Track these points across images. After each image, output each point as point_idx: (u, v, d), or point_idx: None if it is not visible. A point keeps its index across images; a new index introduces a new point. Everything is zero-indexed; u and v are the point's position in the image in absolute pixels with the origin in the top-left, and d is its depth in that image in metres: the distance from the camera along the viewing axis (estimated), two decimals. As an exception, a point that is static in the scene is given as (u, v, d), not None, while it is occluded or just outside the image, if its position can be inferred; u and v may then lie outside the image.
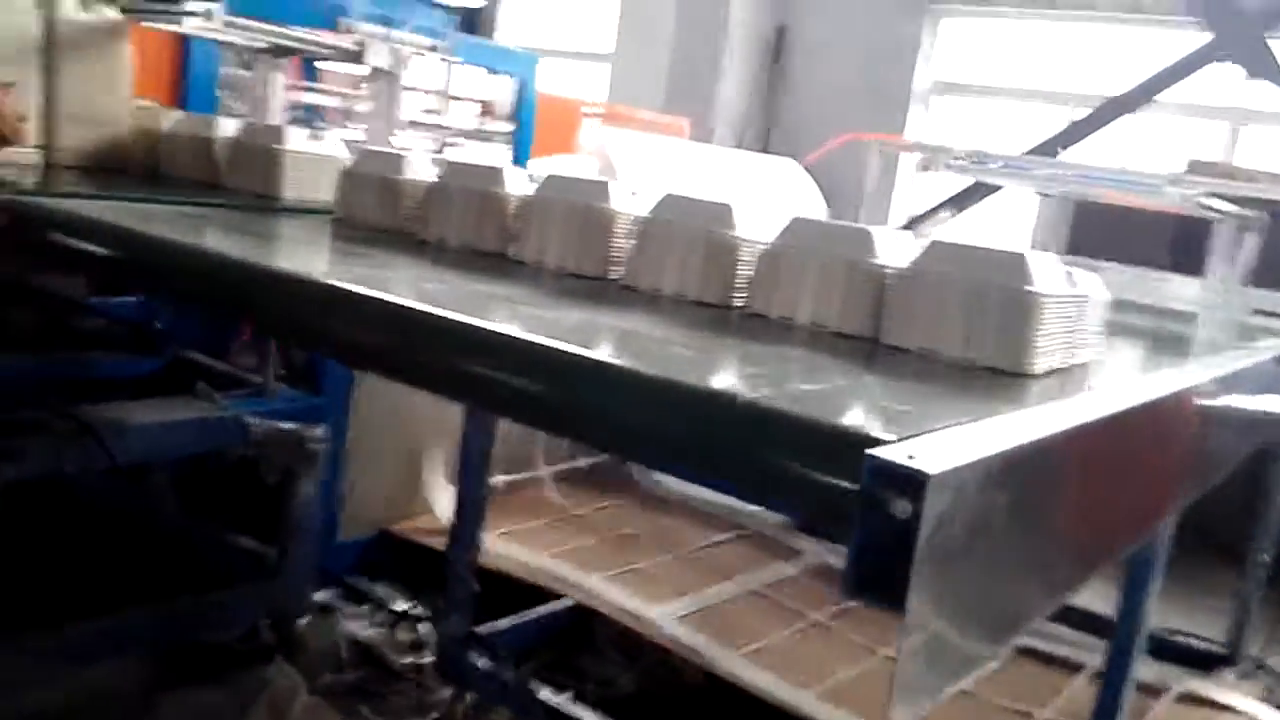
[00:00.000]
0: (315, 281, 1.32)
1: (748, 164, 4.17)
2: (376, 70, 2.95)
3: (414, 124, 5.46)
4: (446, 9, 5.34)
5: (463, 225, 1.85)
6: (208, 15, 2.32)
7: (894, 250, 1.51)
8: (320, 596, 3.18)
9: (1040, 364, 1.33)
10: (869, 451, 0.77)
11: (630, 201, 1.74)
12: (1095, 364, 1.51)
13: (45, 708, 2.36)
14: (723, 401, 0.87)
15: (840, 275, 1.49)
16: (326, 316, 1.28)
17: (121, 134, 2.37)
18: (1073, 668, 3.30)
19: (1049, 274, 1.39)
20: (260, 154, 2.29)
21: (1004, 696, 3.02)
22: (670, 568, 3.59)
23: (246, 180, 2.31)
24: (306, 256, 1.80)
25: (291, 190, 2.26)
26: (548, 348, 0.99)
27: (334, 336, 1.30)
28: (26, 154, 2.14)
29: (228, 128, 2.43)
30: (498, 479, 3.91)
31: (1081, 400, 1.19)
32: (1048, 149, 6.79)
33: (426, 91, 5.71)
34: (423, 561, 3.25)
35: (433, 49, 4.59)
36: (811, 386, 1.04)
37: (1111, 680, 2.03)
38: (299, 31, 2.82)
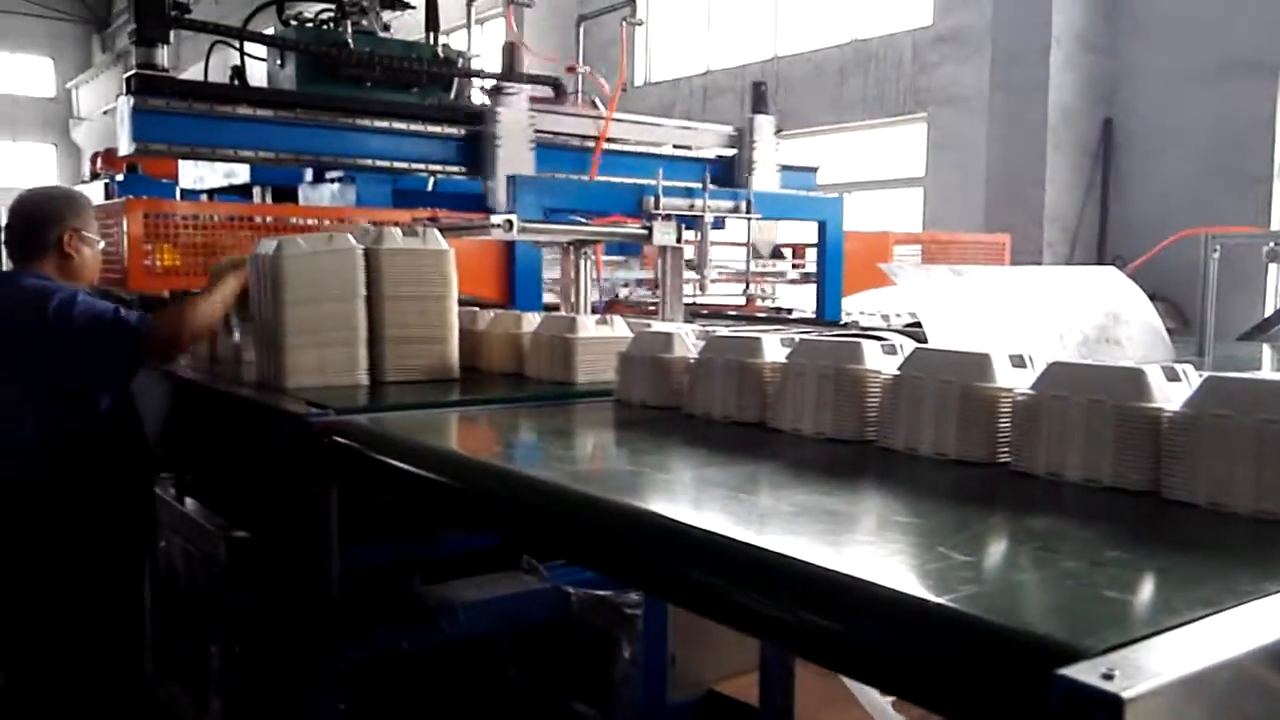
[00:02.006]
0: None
1: (1060, 278, 3.92)
2: (662, 248, 3.14)
3: (726, 278, 5.68)
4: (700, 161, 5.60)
5: (724, 398, 1.90)
6: (508, 226, 2.58)
7: (1170, 390, 1.37)
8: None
9: (1359, 514, 1.14)
10: (1057, 672, 0.70)
11: (883, 359, 1.72)
12: None
13: None
14: (907, 606, 0.83)
15: (1109, 424, 1.36)
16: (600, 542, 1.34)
17: (447, 347, 2.62)
18: None
19: (1361, 404, 1.20)
20: (556, 344, 2.49)
21: None
22: None
23: (547, 369, 2.51)
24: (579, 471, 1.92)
25: (584, 374, 2.43)
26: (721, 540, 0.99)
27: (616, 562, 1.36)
28: (358, 376, 2.46)
29: (531, 322, 2.67)
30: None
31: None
32: None
33: (737, 244, 5.93)
34: (751, 721, 3.22)
35: (734, 210, 4.81)
36: (1029, 576, 0.96)
37: None
38: (592, 223, 3.07)
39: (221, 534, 2.53)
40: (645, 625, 2.93)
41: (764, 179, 5.54)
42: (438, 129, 4.18)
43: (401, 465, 1.74)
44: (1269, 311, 7.55)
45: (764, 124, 5.58)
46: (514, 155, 4.13)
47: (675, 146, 5.58)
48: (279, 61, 4.44)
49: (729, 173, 5.55)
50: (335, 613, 2.29)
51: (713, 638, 3.61)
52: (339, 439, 1.92)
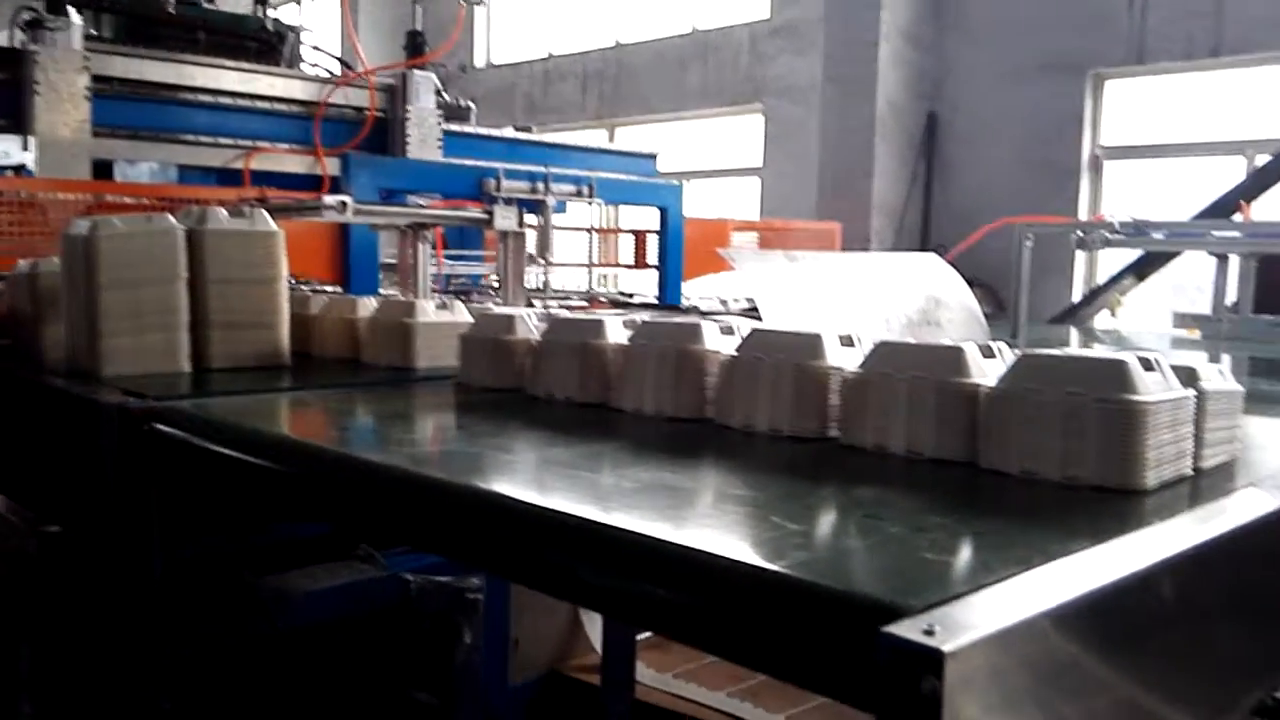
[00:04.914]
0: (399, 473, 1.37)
1: (886, 264, 4.12)
2: (504, 233, 3.11)
3: (568, 264, 5.67)
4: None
5: (567, 379, 1.90)
6: (341, 208, 2.51)
7: (988, 366, 1.45)
8: (494, 744, 3.21)
9: (1150, 478, 1.23)
10: (882, 630, 0.74)
11: (722, 340, 1.75)
12: (1226, 465, 1.39)
13: None
14: (735, 570, 0.85)
15: (930, 398, 1.43)
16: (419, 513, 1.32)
17: (277, 333, 2.52)
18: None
19: (1153, 379, 1.30)
20: (394, 329, 2.43)
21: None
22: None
23: (385, 354, 2.46)
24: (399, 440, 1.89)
25: (424, 359, 2.38)
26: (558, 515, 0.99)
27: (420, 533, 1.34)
28: (181, 363, 2.34)
29: (368, 306, 2.60)
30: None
31: (1181, 522, 1.09)
32: (1229, 202, 6.37)
33: (581, 230, 5.94)
34: (594, 700, 3.25)
35: (576, 194, 4.81)
36: (857, 542, 1.00)
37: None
38: (434, 207, 3.01)
39: (31, 528, 2.37)
40: (486, 609, 2.91)
41: (423, 146, 5.22)
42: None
43: (228, 452, 1.67)
44: (1078, 296, 8.11)
45: (422, 83, 5.24)
46: (58, 108, 3.60)
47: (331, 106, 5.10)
48: (94, 29, 4.18)
49: (382, 138, 5.20)
50: (158, 607, 2.18)
51: (554, 620, 3.63)
52: (160, 426, 1.83)
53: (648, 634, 3.53)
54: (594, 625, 3.57)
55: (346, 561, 2.70)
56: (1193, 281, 7.30)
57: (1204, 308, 5.35)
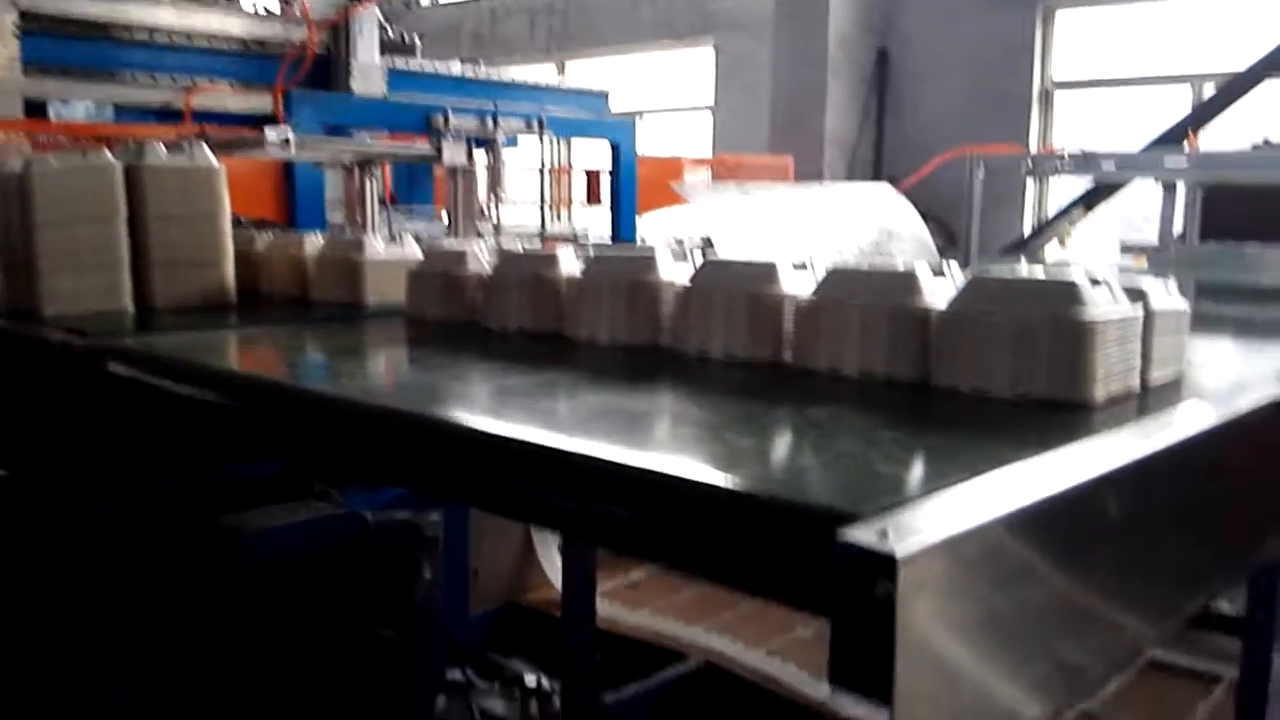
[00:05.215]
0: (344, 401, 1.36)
1: (840, 197, 4.11)
2: (452, 169, 3.06)
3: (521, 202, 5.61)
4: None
5: (520, 311, 1.88)
6: (284, 143, 2.45)
7: (940, 288, 1.46)
8: (455, 674, 3.25)
9: (1099, 391, 1.25)
10: (838, 534, 0.74)
11: (676, 270, 1.74)
12: (1172, 382, 1.41)
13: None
14: (688, 488, 0.85)
15: (882, 321, 1.44)
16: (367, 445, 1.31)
17: (221, 271, 2.48)
18: (1209, 680, 3.03)
19: (1103, 296, 1.31)
20: (343, 265, 2.39)
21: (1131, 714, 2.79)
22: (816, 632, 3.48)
23: (333, 292, 2.42)
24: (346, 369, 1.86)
25: (373, 295, 2.35)
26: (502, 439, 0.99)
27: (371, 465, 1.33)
28: (124, 302, 2.29)
29: (315, 244, 2.55)
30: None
31: (1129, 433, 1.11)
32: (1177, 133, 6.43)
33: (533, 170, 5.86)
34: (554, 630, 3.28)
35: (528, 128, 4.74)
36: (811, 457, 1.01)
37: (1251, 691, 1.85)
38: (379, 143, 2.95)
39: (-24, 475, 2.33)
40: (445, 543, 2.91)
41: (367, 83, 5.04)
42: None
43: (176, 389, 1.64)
44: (1028, 228, 8.19)
45: (365, 18, 5.11)
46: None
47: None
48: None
49: (325, 76, 5.03)
50: (109, 548, 2.15)
51: (513, 552, 3.65)
52: (106, 365, 1.79)
53: (625, 578, 3.57)
54: (551, 558, 3.60)
55: (303, 501, 2.69)
56: (1140, 214, 7.39)
57: (1152, 239, 5.43)
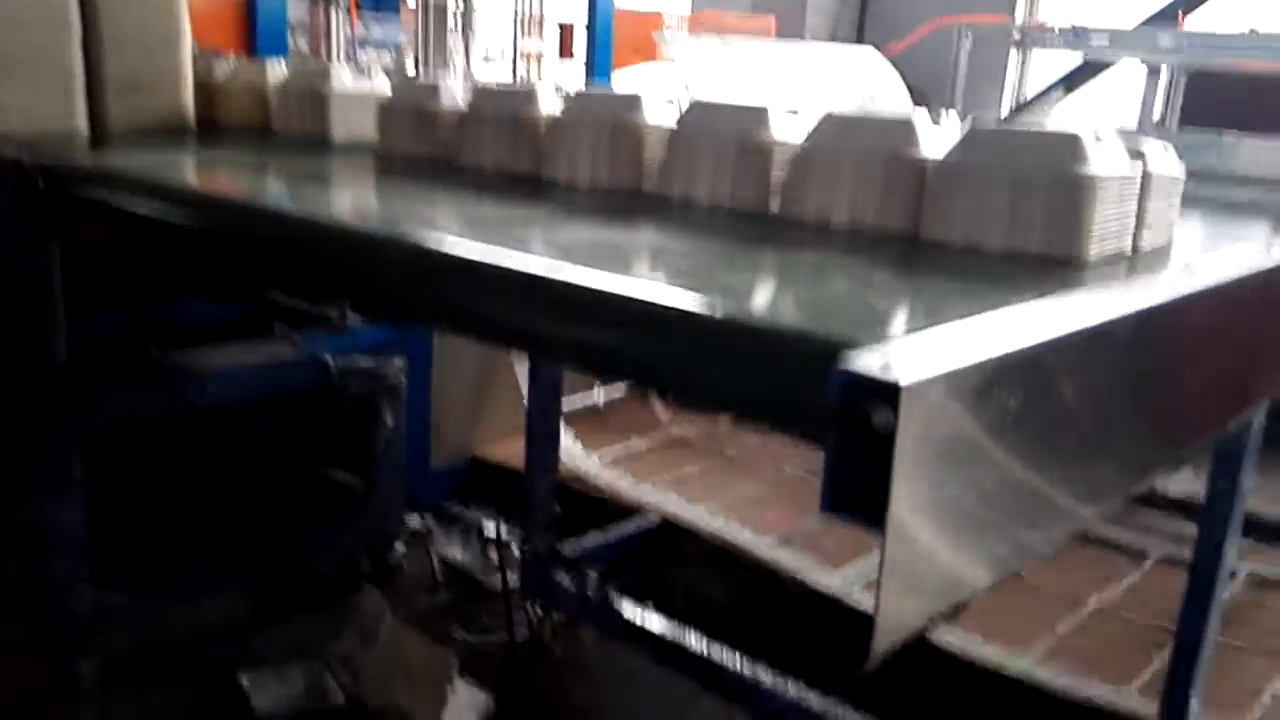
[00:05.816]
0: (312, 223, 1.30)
1: (823, 57, 3.97)
2: (424, 4, 2.91)
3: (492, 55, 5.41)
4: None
5: (496, 149, 1.81)
6: (248, -42, 2.29)
7: (936, 139, 1.41)
8: (415, 523, 3.26)
9: (1094, 250, 1.23)
10: (840, 364, 0.71)
11: (661, 113, 1.67)
12: (1161, 248, 1.39)
13: (158, 642, 2.50)
14: (689, 319, 0.82)
15: (876, 170, 1.39)
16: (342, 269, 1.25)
17: (179, 96, 2.37)
18: (1136, 555, 3.15)
19: (1104, 153, 1.27)
20: (308, 96, 2.28)
21: (1058, 581, 2.89)
22: (770, 488, 3.51)
23: (297, 124, 2.31)
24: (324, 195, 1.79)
25: (340, 129, 2.25)
26: (509, 270, 0.95)
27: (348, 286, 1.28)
28: (77, 123, 2.17)
29: (278, 72, 2.43)
30: (599, 396, 3.90)
31: (1118, 289, 1.09)
32: (1168, 14, 6.30)
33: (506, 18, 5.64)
34: (515, 485, 3.29)
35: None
36: (807, 293, 0.98)
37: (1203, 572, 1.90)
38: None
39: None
40: (408, 392, 2.88)
41: None
42: None
43: (130, 209, 1.56)
44: (1005, 109, 8.06)
45: None
46: None
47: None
48: None
49: None
50: (62, 379, 2.10)
51: (474, 404, 3.63)
52: (57, 183, 1.70)
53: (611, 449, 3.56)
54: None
55: (263, 340, 2.63)
56: (1116, 103, 7.30)
57: (1131, 125, 5.37)
